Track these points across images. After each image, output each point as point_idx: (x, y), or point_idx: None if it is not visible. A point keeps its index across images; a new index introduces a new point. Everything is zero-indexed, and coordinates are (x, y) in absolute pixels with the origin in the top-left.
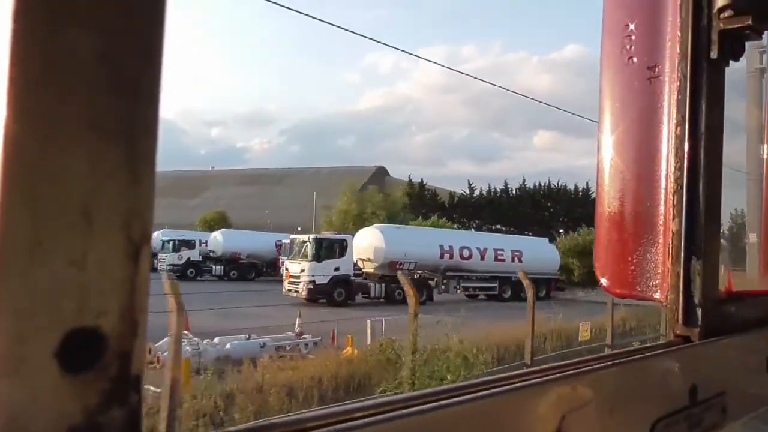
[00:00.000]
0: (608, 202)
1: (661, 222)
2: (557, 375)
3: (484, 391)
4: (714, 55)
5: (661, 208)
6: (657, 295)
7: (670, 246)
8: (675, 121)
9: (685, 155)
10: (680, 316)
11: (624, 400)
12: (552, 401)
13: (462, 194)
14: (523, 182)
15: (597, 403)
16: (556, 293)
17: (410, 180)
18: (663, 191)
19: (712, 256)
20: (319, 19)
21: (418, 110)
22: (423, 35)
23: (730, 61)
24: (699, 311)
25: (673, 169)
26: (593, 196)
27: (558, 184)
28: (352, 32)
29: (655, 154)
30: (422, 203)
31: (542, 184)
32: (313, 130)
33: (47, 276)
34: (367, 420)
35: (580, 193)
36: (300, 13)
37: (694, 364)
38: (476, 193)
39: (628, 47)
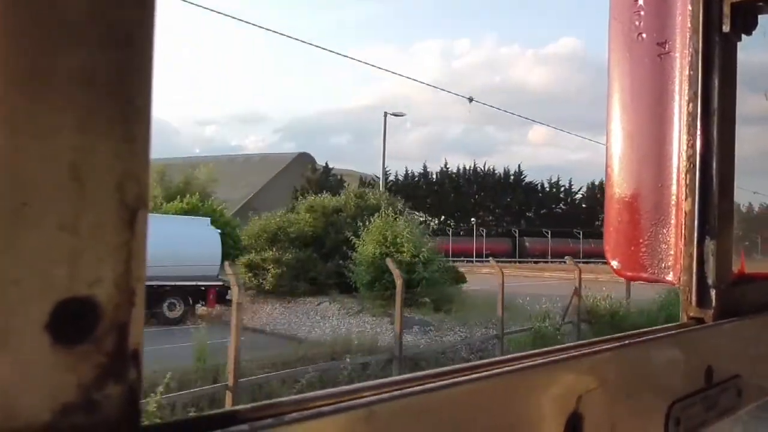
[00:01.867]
0: (618, 183)
1: (673, 202)
2: (573, 355)
3: (499, 369)
4: (726, 29)
5: (674, 188)
6: (669, 277)
7: (683, 227)
8: (687, 98)
9: (698, 133)
10: (693, 298)
11: (640, 381)
12: (569, 381)
13: (373, 179)
14: (445, 165)
15: (614, 385)
16: (215, 310)
17: (313, 165)
18: (675, 170)
19: (726, 237)
20: (278, 32)
21: (413, 106)
22: (417, 30)
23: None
24: (713, 292)
25: (685, 147)
26: (525, 180)
27: (485, 167)
28: (313, 45)
29: (667, 132)
30: (323, 190)
31: (467, 168)
32: (306, 128)
33: (35, 241)
34: (379, 397)
35: (511, 178)
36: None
37: (709, 346)
38: (392, 177)
39: (637, 23)
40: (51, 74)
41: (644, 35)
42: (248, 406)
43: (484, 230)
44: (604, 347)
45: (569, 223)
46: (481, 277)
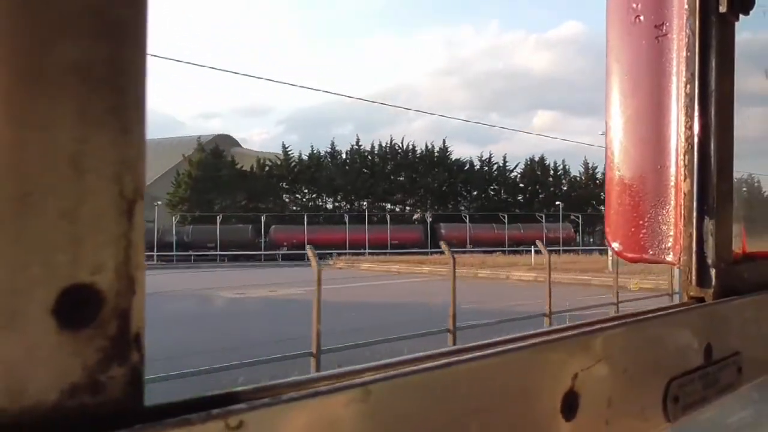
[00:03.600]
0: (618, 165)
1: (672, 183)
2: (568, 335)
3: (494, 349)
4: (723, 9)
5: (672, 169)
6: (669, 258)
7: (682, 207)
8: (684, 80)
9: (696, 114)
10: (693, 278)
11: (638, 359)
12: (564, 360)
13: (270, 159)
14: (357, 141)
15: (610, 362)
16: None
17: (200, 143)
18: (674, 151)
19: (725, 216)
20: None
21: (416, 95)
22: (420, 18)
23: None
24: (713, 272)
25: (683, 128)
26: (452, 156)
27: (403, 143)
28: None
29: (665, 114)
30: (211, 172)
31: (383, 144)
32: (309, 119)
33: (39, 228)
34: (376, 376)
35: (436, 154)
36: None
37: (709, 324)
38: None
39: (634, 6)
40: (47, 67)
41: (642, 17)
42: (247, 387)
43: (388, 216)
44: (601, 326)
45: (506, 205)
46: (359, 274)
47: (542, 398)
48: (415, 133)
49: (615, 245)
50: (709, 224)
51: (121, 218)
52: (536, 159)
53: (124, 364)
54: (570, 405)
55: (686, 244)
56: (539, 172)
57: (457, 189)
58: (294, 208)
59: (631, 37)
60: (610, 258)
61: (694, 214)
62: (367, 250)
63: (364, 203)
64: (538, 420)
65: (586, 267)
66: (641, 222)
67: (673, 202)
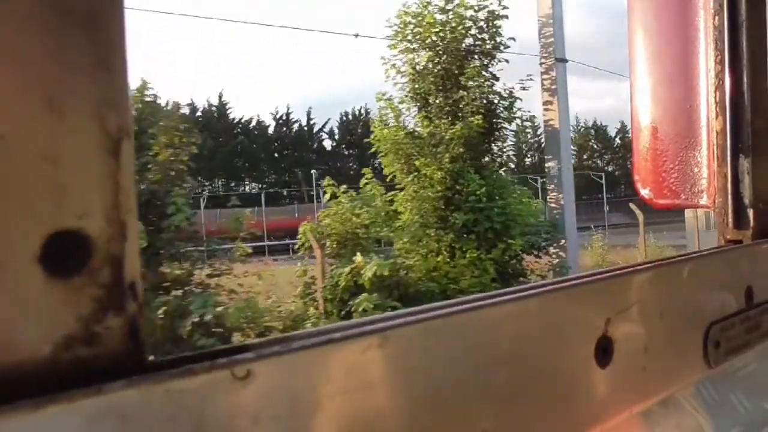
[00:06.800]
0: (644, 108)
1: (703, 122)
2: (599, 278)
3: (522, 293)
4: None
5: (703, 107)
6: (703, 201)
7: (715, 146)
8: (712, 11)
9: (725, 47)
10: (730, 220)
11: (674, 303)
12: (595, 304)
13: None
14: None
15: (645, 307)
16: None
17: None
18: (704, 88)
19: (762, 154)
20: None
21: None
22: None
23: None
24: (750, 212)
25: (713, 63)
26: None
27: (208, 103)
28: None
29: (692, 49)
30: None
31: (188, 105)
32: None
33: (16, 172)
34: (395, 322)
35: (214, 114)
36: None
37: (748, 266)
38: None
39: None
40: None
41: None
42: (256, 340)
43: None
44: (633, 269)
45: (321, 175)
46: None
47: (573, 344)
48: None
49: (645, 192)
50: (744, 163)
51: (107, 158)
52: (358, 111)
53: (120, 314)
54: (604, 350)
55: (721, 185)
56: (360, 130)
57: (232, 159)
58: None
59: None
60: None
61: (728, 152)
62: None
63: None
64: (570, 366)
65: None
66: (672, 166)
67: (705, 142)
